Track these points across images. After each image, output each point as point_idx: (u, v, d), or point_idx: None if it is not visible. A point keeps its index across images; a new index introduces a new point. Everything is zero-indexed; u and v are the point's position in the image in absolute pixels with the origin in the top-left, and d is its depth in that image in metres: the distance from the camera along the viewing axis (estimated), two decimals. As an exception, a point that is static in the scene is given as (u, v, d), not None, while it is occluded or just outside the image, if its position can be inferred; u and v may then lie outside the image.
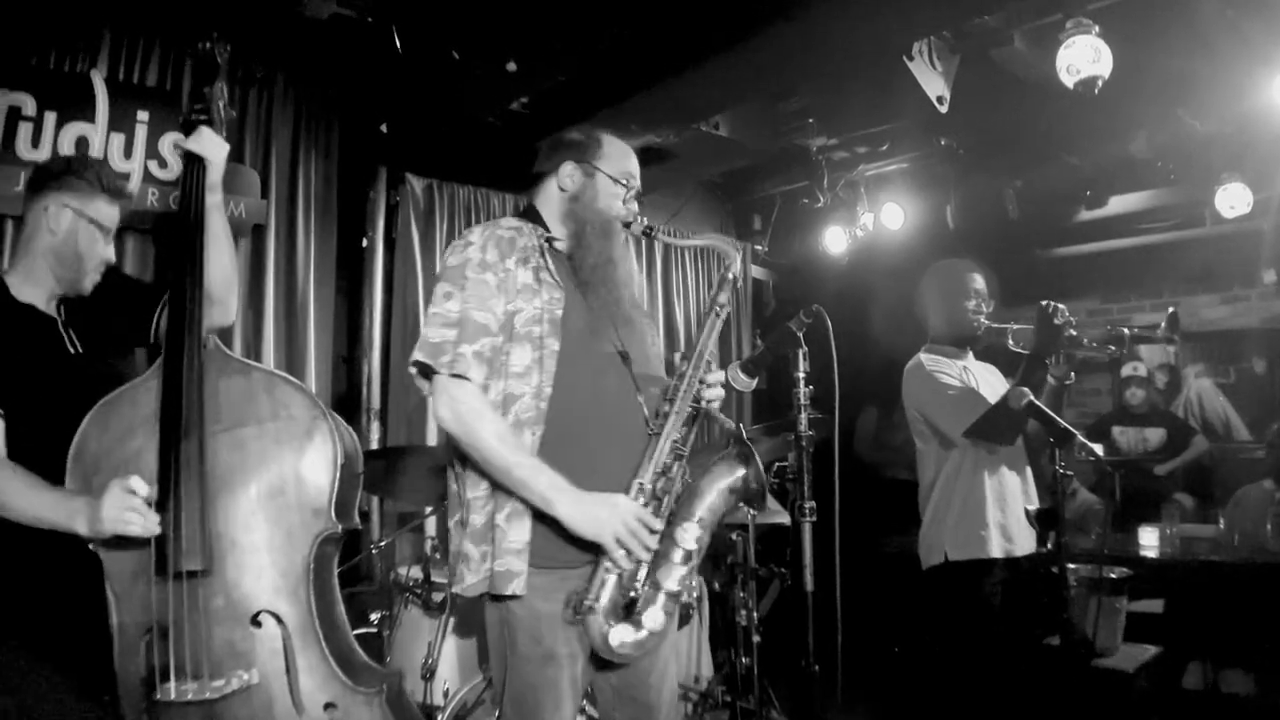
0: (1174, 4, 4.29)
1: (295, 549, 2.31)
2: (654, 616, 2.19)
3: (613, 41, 4.47)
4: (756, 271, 7.80)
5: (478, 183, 5.74)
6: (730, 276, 2.42)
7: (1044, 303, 3.35)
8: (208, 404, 2.30)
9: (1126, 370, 7.41)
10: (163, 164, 4.42)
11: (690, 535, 2.19)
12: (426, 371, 2.34)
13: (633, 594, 2.20)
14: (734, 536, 4.59)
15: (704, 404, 2.32)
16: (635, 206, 2.53)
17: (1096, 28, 4.27)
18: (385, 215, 5.48)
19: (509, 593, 2.25)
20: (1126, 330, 3.32)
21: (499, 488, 2.29)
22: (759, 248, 7.70)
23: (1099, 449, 6.58)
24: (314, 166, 5.07)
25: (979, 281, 3.78)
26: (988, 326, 3.67)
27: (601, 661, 2.34)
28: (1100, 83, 4.31)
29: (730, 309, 2.40)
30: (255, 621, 2.26)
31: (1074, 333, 3.36)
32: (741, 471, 2.23)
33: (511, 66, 4.58)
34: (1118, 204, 6.76)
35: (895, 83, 4.72)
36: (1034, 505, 3.59)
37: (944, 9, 4.23)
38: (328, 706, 2.26)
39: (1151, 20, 4.42)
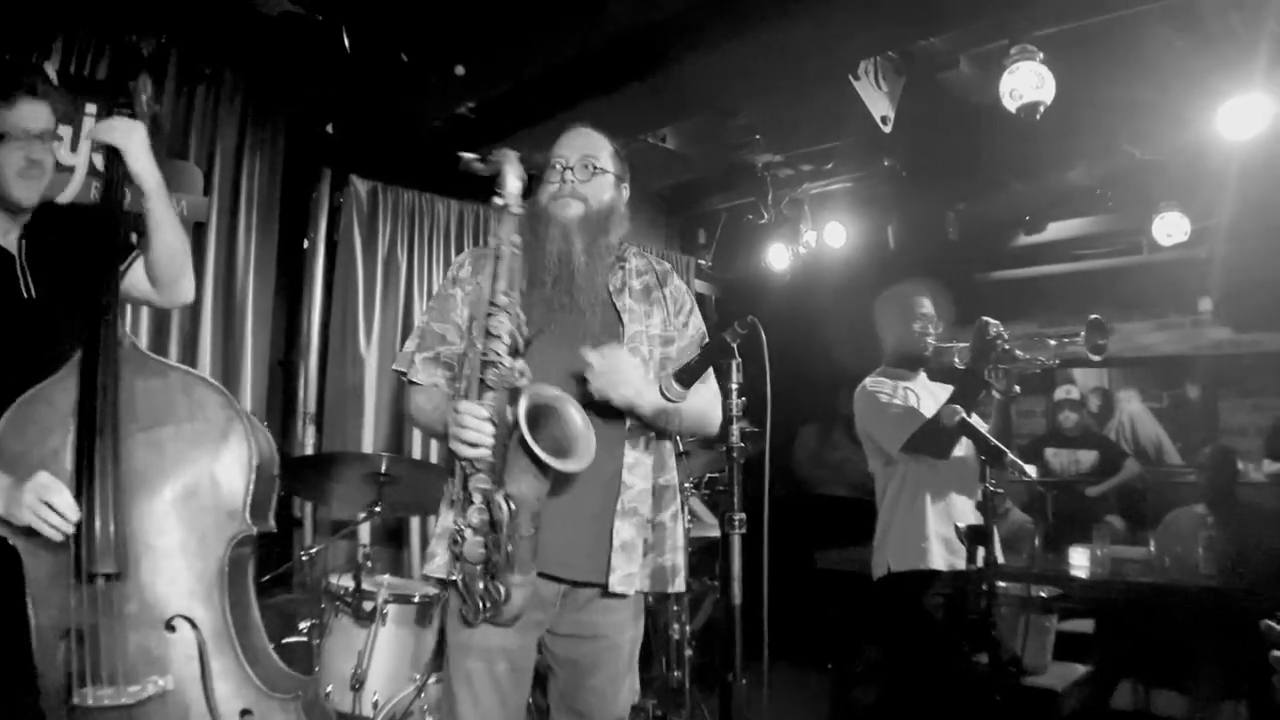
0: (1120, 33, 4.36)
1: (210, 552, 2.28)
2: (496, 590, 2.21)
3: (561, 50, 4.47)
4: (700, 286, 7.81)
5: (423, 187, 5.68)
6: (501, 203, 2.30)
7: (980, 319, 3.49)
8: (125, 404, 2.26)
9: (1060, 393, 7.54)
10: (107, 157, 4.32)
11: (500, 510, 2.18)
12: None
13: (477, 569, 2.23)
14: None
15: (505, 364, 2.23)
16: (569, 176, 2.49)
17: (1041, 54, 4.34)
18: (328, 217, 5.40)
19: (425, 572, 2.41)
20: (1052, 341, 3.38)
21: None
22: (703, 262, 7.71)
23: (1032, 470, 6.68)
24: (258, 165, 4.99)
25: (926, 305, 3.91)
26: (936, 346, 3.76)
27: (551, 666, 2.42)
28: (1042, 108, 4.38)
29: (505, 247, 2.28)
30: (170, 626, 2.21)
31: (1006, 346, 3.46)
32: (521, 440, 2.17)
33: (460, 70, 4.56)
34: (1056, 230, 6.89)
35: (841, 102, 4.76)
36: (964, 522, 3.64)
37: (890, 30, 4.28)
38: (244, 713, 2.22)
39: (1097, 49, 4.50)
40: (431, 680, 3.56)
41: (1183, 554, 4.99)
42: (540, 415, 2.22)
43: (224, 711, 2.21)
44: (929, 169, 6.27)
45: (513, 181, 2.29)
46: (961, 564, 3.55)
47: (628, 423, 2.47)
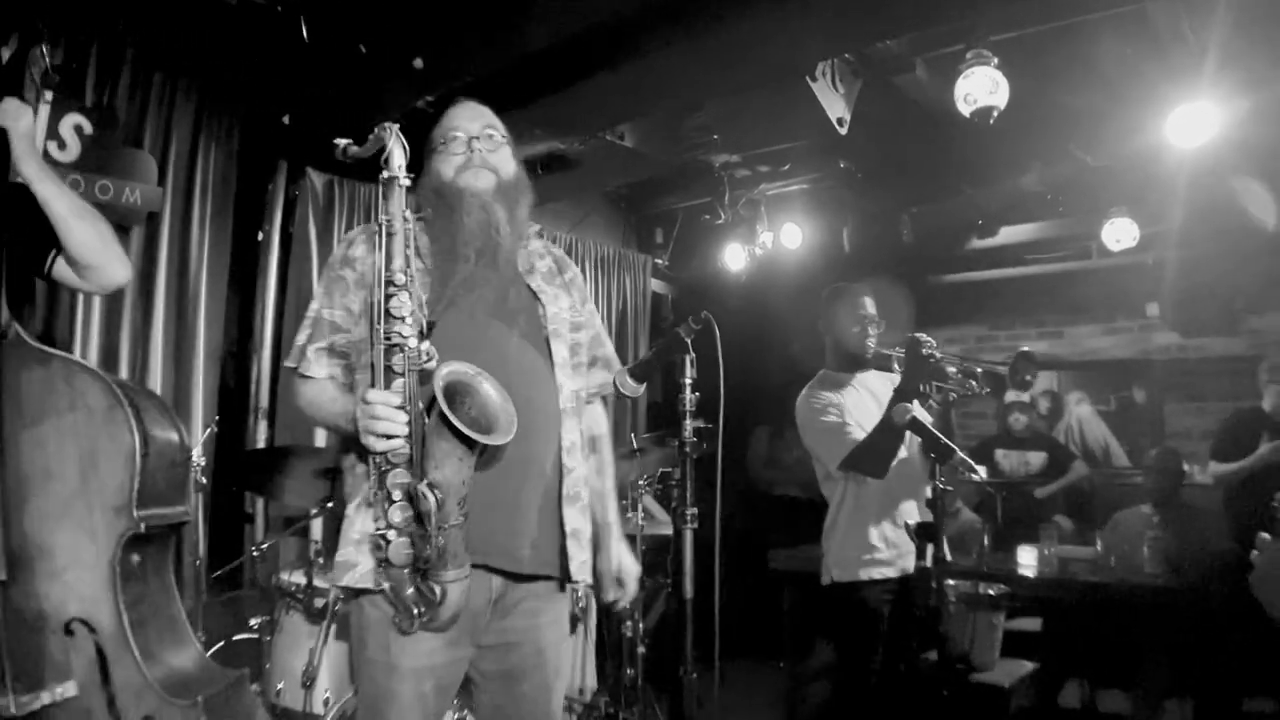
0: (1073, 41, 4.41)
1: (101, 552, 2.17)
2: (428, 590, 2.07)
3: (521, 45, 4.45)
4: (656, 285, 7.83)
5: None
6: (388, 175, 2.18)
7: (912, 334, 3.48)
8: (9, 399, 2.16)
9: (1010, 395, 7.62)
10: (62, 145, 4.23)
11: (420, 500, 2.04)
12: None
13: (404, 571, 2.10)
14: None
15: (411, 345, 2.11)
16: (476, 146, 2.38)
17: (996, 60, 4.36)
18: (283, 209, 5.34)
19: (343, 583, 2.19)
20: (979, 369, 3.40)
21: (359, 474, 2.24)
22: (660, 261, 7.72)
23: (982, 470, 6.75)
24: (214, 155, 4.89)
25: (868, 305, 3.87)
26: (876, 351, 3.76)
27: (476, 680, 2.29)
28: (996, 113, 4.41)
29: (398, 222, 2.16)
30: (69, 630, 2.13)
31: (937, 360, 3.45)
32: (441, 415, 2.03)
33: (418, 63, 4.53)
34: (1008, 234, 6.97)
35: (798, 103, 4.77)
36: (914, 519, 3.66)
37: (847, 32, 4.29)
38: (147, 719, 2.13)
39: (1051, 56, 4.54)
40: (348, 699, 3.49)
41: (1128, 553, 5.07)
42: (457, 393, 2.07)
43: (127, 719, 2.11)
44: (884, 172, 6.32)
45: (399, 155, 2.16)
46: (899, 570, 3.60)
47: (564, 405, 2.38)
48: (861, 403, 3.79)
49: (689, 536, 2.19)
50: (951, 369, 3.44)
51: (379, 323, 2.10)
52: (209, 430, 4.38)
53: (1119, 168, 5.81)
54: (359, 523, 2.20)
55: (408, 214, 2.17)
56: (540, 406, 2.31)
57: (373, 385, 2.10)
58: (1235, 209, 5.76)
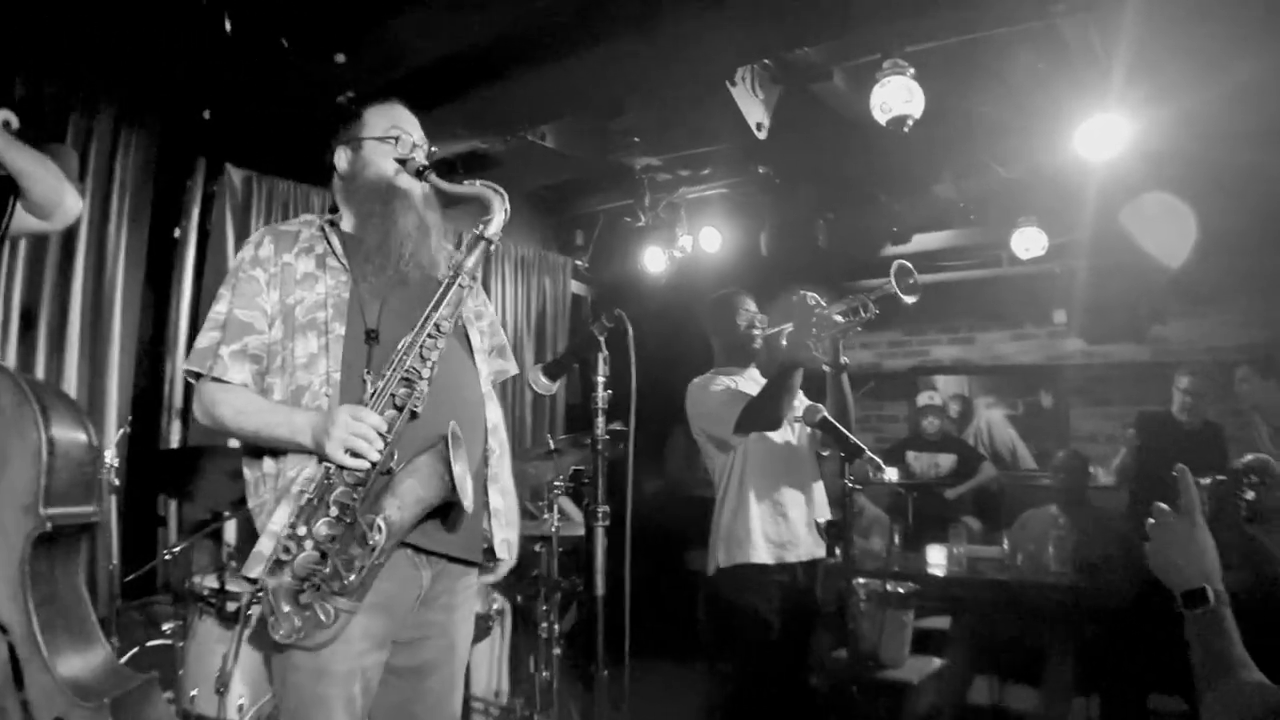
0: (988, 54, 4.48)
1: (10, 551, 2.13)
2: (324, 611, 2.05)
3: (443, 43, 4.41)
4: (576, 287, 7.83)
5: (299, 178, 5.54)
6: (486, 234, 2.28)
7: (798, 292, 3.59)
8: None
9: (922, 399, 7.78)
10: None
11: (367, 533, 2.04)
12: (199, 378, 2.30)
13: (307, 585, 2.07)
14: (536, 548, 4.56)
15: (422, 383, 2.17)
16: (419, 152, 2.41)
17: (912, 70, 4.42)
18: (200, 206, 5.22)
19: (254, 574, 2.15)
20: (870, 298, 3.51)
21: (273, 470, 2.23)
22: (580, 263, 7.72)
23: (892, 471, 6.84)
24: (133, 151, 4.79)
25: (749, 303, 3.96)
26: (764, 336, 3.83)
27: (384, 677, 2.25)
28: (910, 122, 4.47)
29: (477, 280, 2.31)
30: None
31: (823, 310, 3.53)
32: (439, 466, 2.10)
33: (340, 59, 4.46)
34: (921, 241, 7.08)
35: (718, 108, 4.79)
36: (824, 517, 3.70)
37: (766, 38, 4.33)
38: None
39: (966, 68, 4.62)
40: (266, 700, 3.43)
41: (1034, 553, 5.18)
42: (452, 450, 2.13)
43: None
44: (801, 178, 6.38)
45: (499, 220, 2.28)
46: (790, 557, 3.63)
47: (485, 388, 2.43)
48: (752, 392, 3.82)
49: (600, 535, 2.19)
50: (839, 316, 3.52)
51: (407, 355, 2.16)
52: (122, 430, 4.27)
53: (1030, 178, 5.93)
54: (279, 517, 2.18)
55: (477, 273, 2.30)
56: (468, 394, 2.37)
57: (364, 404, 2.13)
58: (1142, 220, 5.92)
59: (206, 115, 5.03)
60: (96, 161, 4.63)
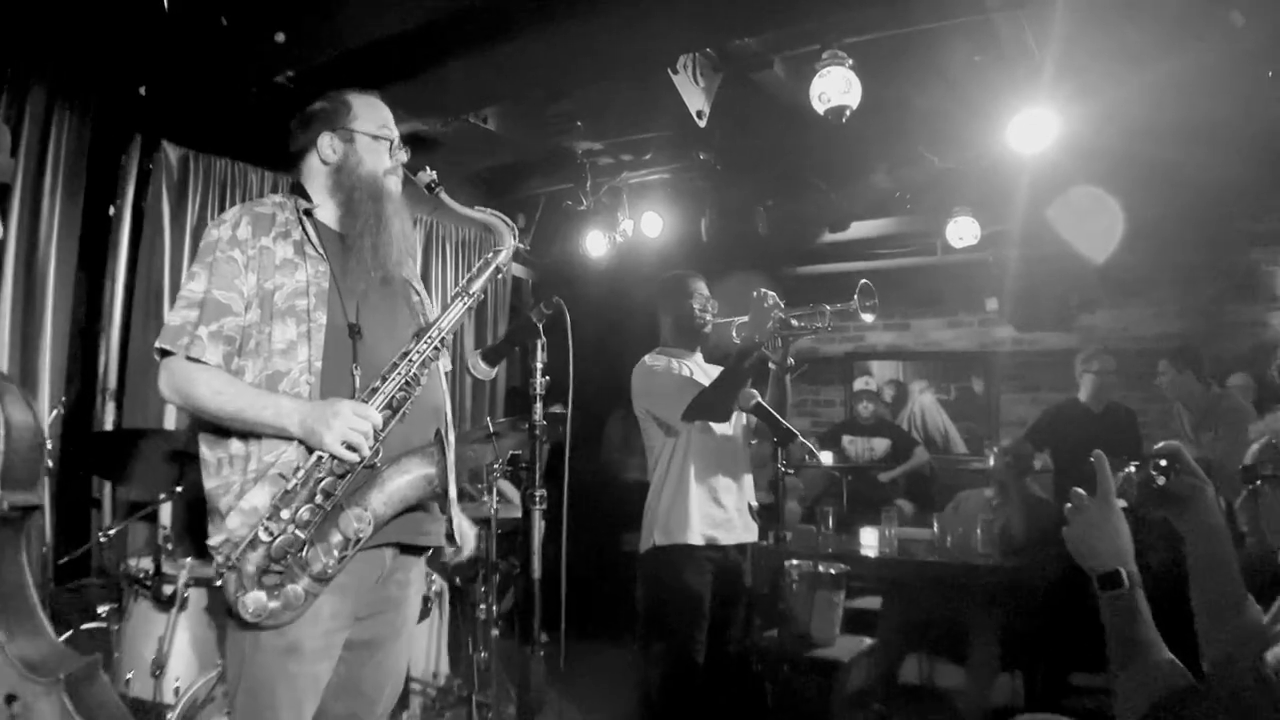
0: (925, 47, 4.54)
1: None
2: (294, 592, 2.10)
3: (386, 24, 4.38)
4: (517, 269, 7.81)
5: (237, 156, 5.47)
6: (496, 262, 2.41)
7: (758, 290, 3.64)
8: None
9: (858, 384, 7.90)
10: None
11: (353, 523, 2.14)
12: (165, 355, 2.28)
13: (279, 567, 2.11)
14: (475, 531, 4.57)
15: (417, 389, 2.26)
16: (403, 155, 2.49)
17: (850, 61, 4.47)
18: (136, 184, 5.12)
19: (213, 544, 2.19)
20: (827, 306, 3.58)
21: (241, 452, 2.24)
22: (521, 246, 7.70)
23: (828, 456, 6.92)
24: (67, 127, 4.67)
25: (701, 286, 4.03)
26: (714, 322, 3.87)
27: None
28: (848, 112, 4.52)
29: (483, 299, 2.40)
30: None
31: (782, 314, 3.61)
32: (428, 470, 2.21)
33: (280, 38, 4.41)
34: (859, 229, 7.18)
35: (660, 94, 4.82)
36: (754, 502, 3.78)
37: (707, 27, 4.35)
38: (9, 699, 2.12)
39: (903, 59, 4.67)
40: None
41: (964, 535, 5.29)
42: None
43: (-9, 696, 2.08)
44: (742, 165, 6.42)
45: (510, 249, 2.44)
46: (723, 540, 3.71)
47: (443, 379, 2.52)
48: (698, 378, 3.88)
49: (538, 518, 2.23)
50: (795, 320, 3.61)
51: (414, 360, 2.26)
52: (56, 412, 4.21)
53: (964, 169, 6.02)
54: (259, 494, 2.18)
55: (483, 293, 2.42)
56: (432, 383, 2.42)
57: (359, 398, 2.21)
58: (1070, 212, 6.05)
59: (143, 92, 4.94)
60: (29, 138, 4.52)
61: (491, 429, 4.47)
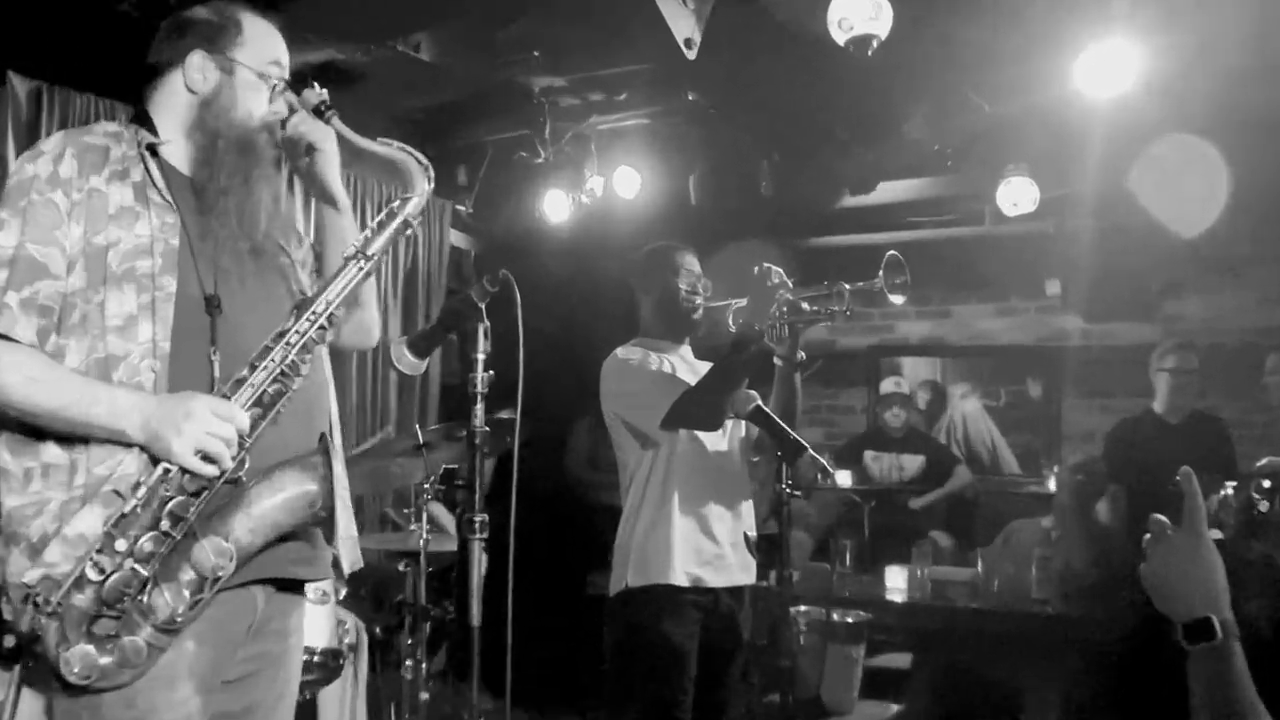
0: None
1: None
2: (133, 646, 2.00)
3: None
4: (456, 238, 7.75)
5: (101, 91, 5.43)
6: (403, 214, 2.33)
7: (761, 265, 3.60)
8: None
9: (886, 386, 7.91)
10: None
11: (210, 558, 2.07)
12: None
13: (114, 613, 2.00)
14: (401, 567, 4.56)
15: (296, 381, 2.19)
16: (285, 100, 2.41)
17: (879, -22, 4.46)
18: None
19: (26, 579, 2.04)
20: (846, 285, 3.52)
21: (62, 461, 2.12)
22: (461, 208, 7.66)
23: (846, 475, 6.93)
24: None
25: (692, 262, 4.00)
26: (706, 308, 3.85)
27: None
28: (875, 43, 4.49)
29: (383, 260, 2.32)
30: None
31: (790, 296, 3.57)
32: (309, 487, 2.13)
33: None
34: (887, 191, 7.15)
35: (639, 18, 4.79)
36: (754, 531, 3.77)
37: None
38: None
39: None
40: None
41: (1015, 575, 5.30)
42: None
43: None
44: (741, 108, 6.40)
45: (421, 196, 2.37)
46: (713, 582, 3.70)
47: (326, 373, 2.47)
48: (685, 376, 3.86)
49: (478, 551, 2.22)
50: (807, 303, 3.57)
51: (292, 342, 2.19)
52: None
53: (1020, 118, 6.01)
54: (85, 523, 2.06)
55: (383, 258, 2.36)
56: (316, 374, 2.38)
57: (220, 393, 2.13)
58: (1157, 172, 6.04)
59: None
60: None
61: (421, 438, 4.46)
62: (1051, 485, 6.17)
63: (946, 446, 7.88)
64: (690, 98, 6.27)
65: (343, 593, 2.46)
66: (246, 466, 2.13)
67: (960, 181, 7.04)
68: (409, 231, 2.35)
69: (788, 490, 3.26)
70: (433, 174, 2.34)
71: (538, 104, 6.55)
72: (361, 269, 2.29)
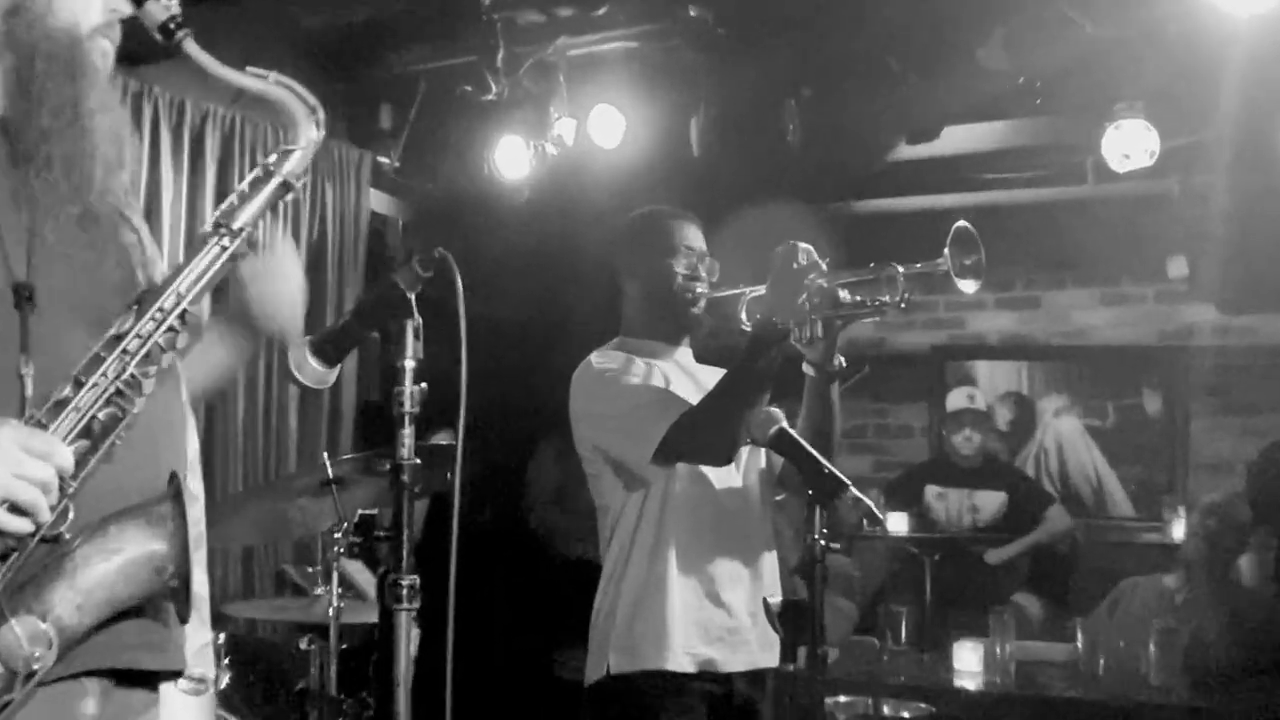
0: None
1: None
2: None
3: None
4: (378, 201, 7.73)
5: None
6: (281, 171, 2.24)
7: (787, 243, 3.55)
8: None
9: (956, 400, 7.89)
10: None
11: (22, 645, 2.03)
12: None
13: None
14: (303, 645, 4.55)
15: (136, 403, 2.17)
16: (125, 4, 2.35)
17: None
18: None
19: None
20: (900, 267, 3.45)
21: None
22: (385, 160, 7.66)
23: (900, 519, 6.95)
24: None
25: (693, 235, 3.96)
26: (709, 297, 3.82)
27: None
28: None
29: (255, 233, 2.25)
30: None
31: (824, 282, 3.49)
32: (155, 547, 2.06)
33: None
34: (955, 139, 7.13)
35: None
36: (777, 596, 3.74)
37: None
38: None
39: None
40: None
41: (1128, 652, 5.30)
42: None
43: None
44: (760, 29, 6.41)
45: (307, 147, 2.25)
46: (728, 665, 3.69)
47: (184, 394, 2.42)
48: (682, 387, 3.82)
49: (406, 624, 2.21)
50: (846, 291, 3.50)
51: (130, 350, 2.10)
52: None
53: (1135, 42, 6.02)
54: None
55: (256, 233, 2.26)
56: (165, 393, 2.30)
57: (38, 422, 2.04)
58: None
59: None
60: None
61: (330, 473, 4.45)
62: (1176, 532, 6.14)
63: (1035, 480, 7.88)
64: (692, 13, 6.28)
65: (224, 680, 2.40)
66: (70, 519, 2.05)
67: (1053, 127, 7.06)
68: (289, 196, 2.26)
69: (823, 542, 3.25)
70: (322, 118, 2.26)
71: (487, 21, 6.54)
72: (225, 249, 2.21)
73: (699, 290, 3.88)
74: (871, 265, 3.53)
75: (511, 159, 7.06)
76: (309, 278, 7.07)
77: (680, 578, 3.69)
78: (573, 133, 6.93)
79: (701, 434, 3.61)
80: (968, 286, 3.43)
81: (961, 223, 3.46)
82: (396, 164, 7.70)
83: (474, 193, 7.39)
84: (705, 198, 4.36)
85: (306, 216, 7.13)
